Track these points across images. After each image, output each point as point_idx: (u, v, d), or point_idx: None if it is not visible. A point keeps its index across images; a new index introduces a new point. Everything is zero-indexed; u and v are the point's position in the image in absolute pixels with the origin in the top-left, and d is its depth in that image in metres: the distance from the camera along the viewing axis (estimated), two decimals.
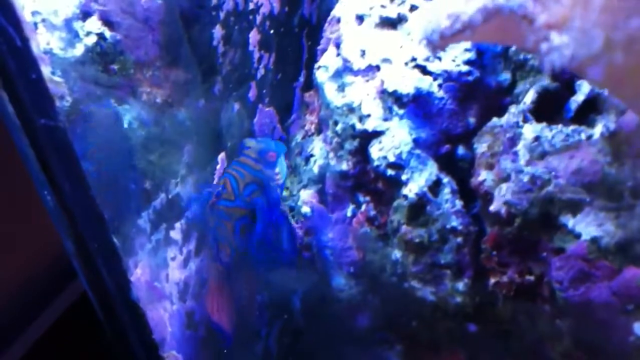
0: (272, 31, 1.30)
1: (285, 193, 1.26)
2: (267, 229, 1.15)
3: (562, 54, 0.56)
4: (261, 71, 1.29)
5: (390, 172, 0.99)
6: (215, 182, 1.22)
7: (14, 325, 1.27)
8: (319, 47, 1.14)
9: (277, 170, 1.13)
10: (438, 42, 0.69)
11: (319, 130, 1.19)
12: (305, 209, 1.16)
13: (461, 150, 0.99)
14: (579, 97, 0.91)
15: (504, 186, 0.89)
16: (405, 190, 0.97)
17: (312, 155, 1.19)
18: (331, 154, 1.08)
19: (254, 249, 1.17)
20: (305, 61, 1.38)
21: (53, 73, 1.18)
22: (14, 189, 1.13)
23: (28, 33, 0.81)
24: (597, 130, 0.86)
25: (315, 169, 1.17)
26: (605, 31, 0.52)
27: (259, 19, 1.28)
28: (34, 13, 1.24)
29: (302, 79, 1.38)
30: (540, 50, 0.58)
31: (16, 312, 1.27)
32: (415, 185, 0.97)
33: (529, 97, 0.92)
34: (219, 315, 1.21)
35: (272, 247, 1.17)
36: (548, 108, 0.92)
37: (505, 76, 0.98)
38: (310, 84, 1.16)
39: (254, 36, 1.27)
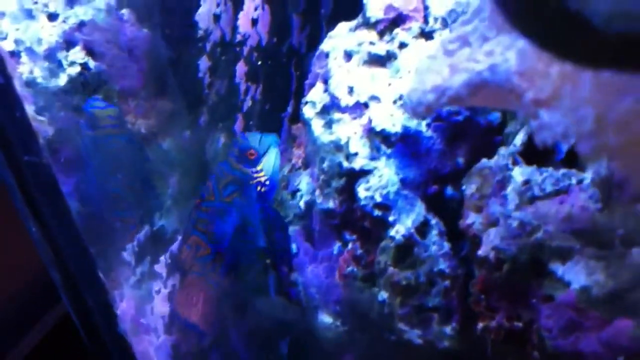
0: (259, 62, 1.28)
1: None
2: (247, 228, 1.15)
3: (553, 132, 0.54)
4: (248, 102, 1.28)
5: (377, 212, 0.97)
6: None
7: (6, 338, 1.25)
8: (307, 82, 1.12)
9: (259, 167, 1.13)
10: (423, 112, 0.67)
11: (306, 165, 1.17)
12: (291, 246, 1.14)
13: (450, 190, 0.97)
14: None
15: (492, 231, 0.87)
16: (392, 232, 0.95)
17: (298, 190, 1.17)
18: (318, 191, 1.06)
19: (232, 248, 1.17)
20: (294, 91, 1.37)
21: (35, 103, 1.16)
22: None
23: (11, 72, 0.80)
24: (588, 174, 0.84)
25: (302, 205, 1.15)
26: (597, 110, 0.50)
27: (246, 50, 1.26)
28: (17, 41, 1.22)
29: (290, 109, 1.37)
30: (531, 126, 0.57)
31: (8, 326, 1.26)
32: (402, 226, 0.95)
33: (519, 139, 0.90)
34: (191, 311, 1.20)
35: (251, 243, 1.16)
36: (538, 150, 0.90)
37: (495, 115, 0.96)
38: (299, 115, 1.15)
39: (240, 68, 1.25)
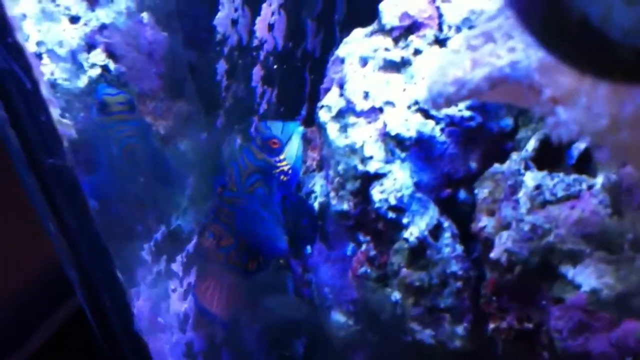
0: (275, 66, 1.31)
1: None
2: (269, 219, 1.15)
3: (569, 129, 0.56)
4: (264, 106, 1.30)
5: (391, 214, 0.99)
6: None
7: (11, 339, 1.27)
8: (322, 86, 1.15)
9: (282, 157, 1.12)
10: (443, 104, 0.69)
11: (320, 167, 1.20)
12: (306, 247, 1.17)
13: (462, 194, 1.00)
14: (581, 144, 0.92)
15: (504, 234, 0.89)
16: (406, 234, 0.98)
17: (313, 192, 1.19)
18: (332, 193, 1.08)
19: (254, 240, 1.17)
20: (308, 94, 1.39)
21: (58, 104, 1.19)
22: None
23: (38, 77, 0.82)
24: (599, 180, 0.86)
25: (316, 206, 1.17)
26: (612, 109, 0.53)
27: (262, 54, 1.29)
28: (39, 43, 1.25)
29: (304, 112, 1.39)
30: (548, 123, 0.59)
31: (12, 327, 1.27)
32: (416, 228, 0.97)
33: (531, 145, 0.92)
34: (213, 302, 1.20)
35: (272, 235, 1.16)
36: (550, 155, 0.92)
37: (508, 122, 0.98)
38: (313, 118, 1.17)
39: (257, 72, 1.28)
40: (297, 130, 1.14)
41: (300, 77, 1.38)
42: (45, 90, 0.83)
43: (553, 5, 0.42)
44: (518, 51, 0.66)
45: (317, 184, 1.18)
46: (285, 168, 1.13)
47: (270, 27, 1.28)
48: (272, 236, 1.16)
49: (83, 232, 0.90)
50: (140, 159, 1.19)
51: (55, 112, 0.85)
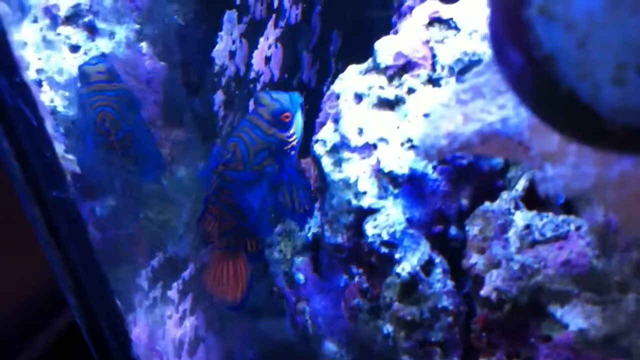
0: None
1: (278, 255, 1.28)
2: (276, 194, 1.08)
3: (556, 185, 0.59)
4: None
5: (384, 249, 1.01)
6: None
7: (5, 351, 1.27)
8: (318, 120, 1.17)
9: (291, 131, 1.05)
10: (435, 155, 0.72)
11: (315, 199, 1.22)
12: (300, 276, 1.18)
13: (453, 230, 1.02)
14: None
15: (494, 272, 0.91)
16: (398, 269, 1.00)
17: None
18: (327, 225, 1.10)
19: (257, 217, 1.09)
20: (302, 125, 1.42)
21: (57, 130, 1.20)
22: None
23: (43, 114, 0.84)
24: (587, 221, 0.88)
25: (310, 236, 1.19)
26: (598, 169, 0.55)
27: (259, 86, 1.31)
28: (39, 71, 1.27)
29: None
30: (535, 177, 0.61)
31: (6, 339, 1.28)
32: (408, 264, 0.99)
33: (521, 185, 0.95)
34: (225, 288, 1.14)
35: (283, 210, 1.09)
36: (539, 195, 0.95)
37: (498, 160, 1.01)
38: (307, 147, 1.19)
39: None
40: (300, 101, 1.07)
41: None
42: (50, 127, 0.85)
43: (543, 79, 0.44)
44: (508, 108, 0.68)
45: None
46: (294, 142, 1.06)
47: (267, 59, 1.31)
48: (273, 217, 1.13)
49: (84, 262, 0.92)
50: (113, 128, 1.15)
51: (59, 148, 0.87)
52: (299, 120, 1.06)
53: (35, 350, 1.30)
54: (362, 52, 1.16)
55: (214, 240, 1.12)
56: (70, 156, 0.92)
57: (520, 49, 0.44)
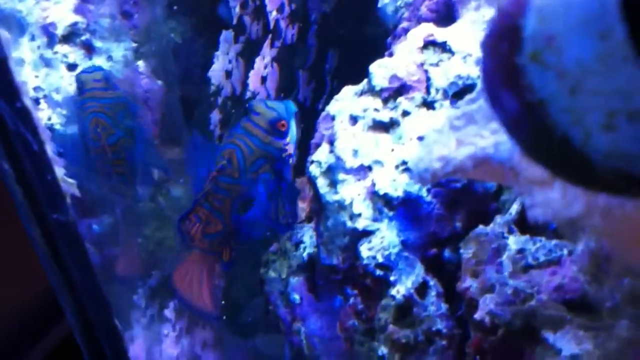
0: None
1: (273, 274, 1.28)
2: (270, 203, 1.09)
3: (545, 212, 0.60)
4: None
5: (378, 272, 1.02)
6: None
7: None
8: (313, 141, 1.18)
9: (288, 139, 1.06)
10: (429, 179, 0.73)
11: (309, 219, 1.22)
12: (295, 296, 1.19)
13: (447, 253, 1.03)
14: None
15: (488, 296, 0.92)
16: (393, 291, 1.00)
17: (302, 242, 1.22)
18: (322, 247, 1.11)
19: (247, 227, 1.11)
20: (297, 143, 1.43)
21: (53, 151, 1.21)
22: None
23: (44, 138, 0.85)
24: (579, 246, 0.89)
25: (305, 256, 1.19)
26: (587, 196, 0.56)
27: None
28: (36, 89, 1.28)
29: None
30: (524, 203, 0.62)
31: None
32: (402, 286, 1.00)
33: (514, 209, 0.96)
34: (193, 291, 1.14)
35: (267, 218, 1.10)
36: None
37: (492, 184, 1.02)
38: (302, 166, 1.20)
39: None
40: (295, 110, 1.08)
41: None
42: (50, 151, 0.86)
43: (536, 123, 0.45)
44: (501, 133, 0.69)
45: (307, 235, 1.21)
46: (291, 150, 1.08)
47: (263, 79, 1.32)
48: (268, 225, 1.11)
49: (85, 283, 0.93)
50: (104, 133, 1.18)
51: (59, 171, 0.88)
52: (294, 129, 1.08)
53: None
54: (357, 70, 1.17)
55: (195, 241, 1.11)
56: (70, 180, 0.93)
57: (514, 93, 0.45)
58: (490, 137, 0.70)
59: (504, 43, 0.43)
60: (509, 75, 0.44)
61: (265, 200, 1.10)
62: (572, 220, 0.60)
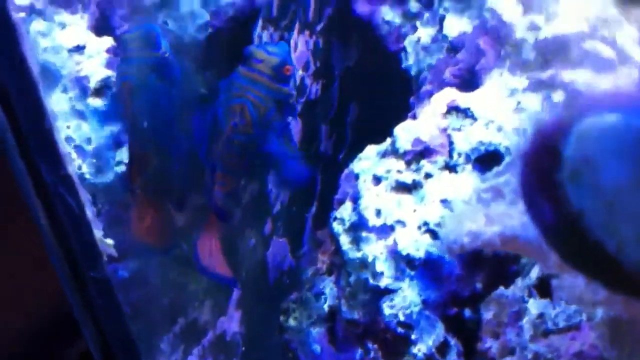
0: None
1: (293, 323, 1.31)
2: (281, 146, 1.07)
3: (571, 295, 0.63)
4: (277, 207, 1.37)
5: (400, 329, 1.05)
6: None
7: None
8: (336, 197, 1.21)
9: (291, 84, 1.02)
10: (457, 250, 0.76)
11: (330, 271, 1.26)
12: (316, 347, 1.22)
13: (468, 312, 1.06)
14: None
15: (509, 359, 0.95)
16: (414, 349, 1.03)
17: (323, 293, 1.24)
18: (343, 300, 1.14)
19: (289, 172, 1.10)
20: (318, 194, 1.46)
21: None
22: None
23: (84, 201, 0.89)
24: (599, 312, 0.92)
25: (326, 308, 1.22)
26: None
27: None
28: (67, 139, 1.32)
29: (314, 209, 1.46)
30: (551, 284, 0.66)
31: None
32: (424, 345, 1.03)
33: (535, 273, 0.99)
34: (213, 260, 1.14)
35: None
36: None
37: None
38: (322, 217, 1.23)
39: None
40: (288, 47, 1.04)
41: (313, 178, 1.45)
42: (90, 213, 0.90)
43: (572, 230, 0.49)
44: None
45: (328, 287, 1.24)
46: (295, 93, 1.05)
47: None
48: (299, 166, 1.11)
49: (119, 339, 0.96)
50: (135, 99, 1.16)
51: (98, 233, 0.92)
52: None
53: None
54: (376, 123, 1.22)
55: (221, 205, 1.09)
56: (108, 240, 0.97)
57: (551, 202, 0.49)
58: (519, 217, 0.74)
59: (544, 160, 0.47)
60: (548, 187, 0.48)
61: (279, 147, 1.06)
62: (596, 304, 0.63)
